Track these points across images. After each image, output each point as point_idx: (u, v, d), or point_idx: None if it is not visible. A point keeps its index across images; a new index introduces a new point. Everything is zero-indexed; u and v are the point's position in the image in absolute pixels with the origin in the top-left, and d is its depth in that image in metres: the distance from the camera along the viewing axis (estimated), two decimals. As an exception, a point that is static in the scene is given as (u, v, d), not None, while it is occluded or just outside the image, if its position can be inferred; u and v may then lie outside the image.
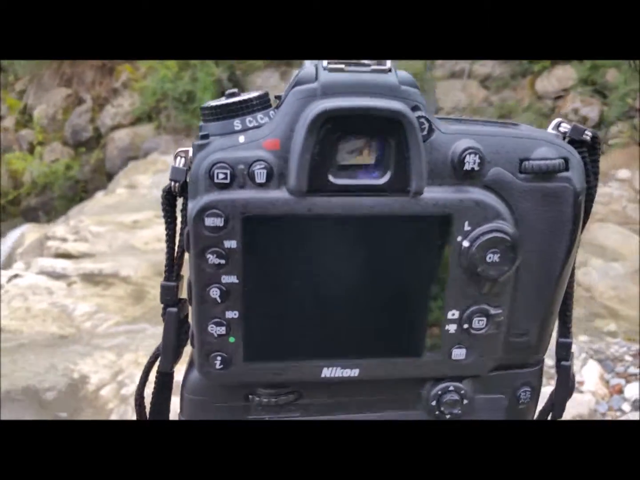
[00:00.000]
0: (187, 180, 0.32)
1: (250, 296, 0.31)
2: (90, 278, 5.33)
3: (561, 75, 7.82)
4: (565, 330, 0.36)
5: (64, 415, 3.50)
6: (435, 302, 0.31)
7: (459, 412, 0.34)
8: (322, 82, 0.30)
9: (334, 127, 0.29)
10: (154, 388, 0.39)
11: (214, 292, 0.31)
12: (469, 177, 0.31)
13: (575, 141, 0.34)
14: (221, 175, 0.29)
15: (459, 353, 0.33)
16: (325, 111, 0.29)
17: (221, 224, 0.30)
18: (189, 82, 9.06)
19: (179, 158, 0.33)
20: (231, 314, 0.31)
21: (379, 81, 0.29)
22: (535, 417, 0.39)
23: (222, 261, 0.30)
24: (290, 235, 0.30)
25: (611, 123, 7.27)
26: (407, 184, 0.30)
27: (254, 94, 0.31)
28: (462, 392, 0.34)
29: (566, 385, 0.37)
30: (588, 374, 3.15)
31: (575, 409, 2.91)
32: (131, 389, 3.64)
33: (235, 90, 0.32)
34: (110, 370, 3.87)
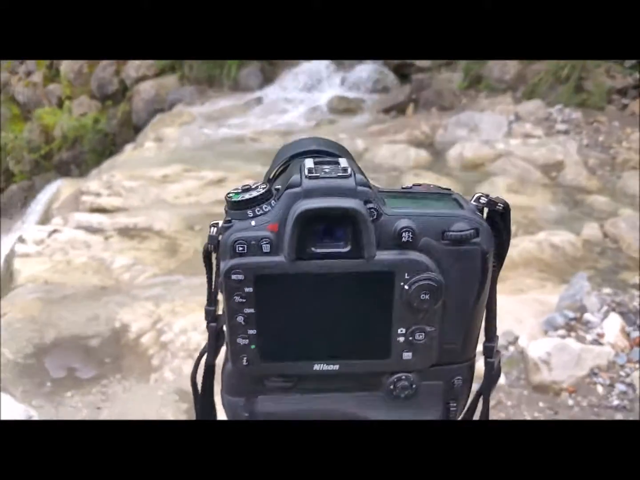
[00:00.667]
0: (218, 244, 0.47)
1: (262, 321, 0.47)
2: (126, 232, 5.50)
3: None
4: (489, 337, 0.52)
5: (107, 361, 3.71)
6: (390, 324, 0.47)
7: (409, 392, 0.50)
8: (304, 188, 0.45)
9: (311, 218, 0.44)
10: (203, 374, 0.55)
11: (239, 319, 0.47)
12: (406, 246, 0.46)
13: (490, 210, 0.49)
14: (240, 248, 0.45)
15: (407, 355, 0.48)
16: (304, 210, 0.44)
17: (242, 278, 0.45)
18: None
19: (212, 228, 0.48)
20: (251, 332, 0.47)
21: (342, 185, 0.44)
22: (468, 400, 0.54)
23: (244, 300, 0.46)
24: (287, 286, 0.46)
25: None
26: (362, 252, 0.45)
27: (261, 191, 0.46)
28: (411, 380, 0.49)
29: (490, 376, 0.53)
30: (609, 327, 3.14)
31: (594, 360, 2.97)
32: (169, 336, 3.83)
33: (250, 184, 0.47)
34: (149, 319, 4.02)
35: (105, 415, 3.16)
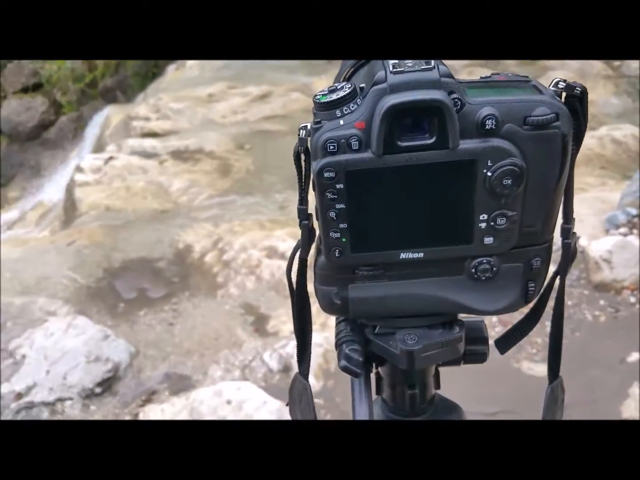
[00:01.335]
0: (308, 146, 0.48)
1: (353, 215, 0.49)
2: (179, 155, 5.59)
3: None
4: (567, 219, 0.53)
5: (175, 280, 3.89)
6: (473, 211, 0.48)
7: (490, 275, 0.52)
8: (389, 83, 0.45)
9: (398, 113, 0.45)
10: (297, 268, 0.58)
11: (332, 214, 0.49)
12: (489, 133, 0.46)
13: (568, 95, 0.48)
14: (331, 147, 0.46)
15: (489, 240, 0.50)
16: (391, 105, 0.44)
17: (333, 176, 0.47)
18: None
19: (301, 130, 0.49)
20: (342, 225, 0.49)
21: (425, 77, 0.45)
22: (546, 280, 0.55)
23: (335, 196, 0.48)
24: (375, 180, 0.48)
25: None
26: (447, 142, 0.46)
27: (347, 90, 0.46)
28: (492, 263, 0.51)
29: (567, 254, 0.54)
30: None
31: None
32: (231, 254, 3.97)
33: (336, 85, 0.47)
34: (210, 239, 4.17)
35: (177, 330, 3.35)
